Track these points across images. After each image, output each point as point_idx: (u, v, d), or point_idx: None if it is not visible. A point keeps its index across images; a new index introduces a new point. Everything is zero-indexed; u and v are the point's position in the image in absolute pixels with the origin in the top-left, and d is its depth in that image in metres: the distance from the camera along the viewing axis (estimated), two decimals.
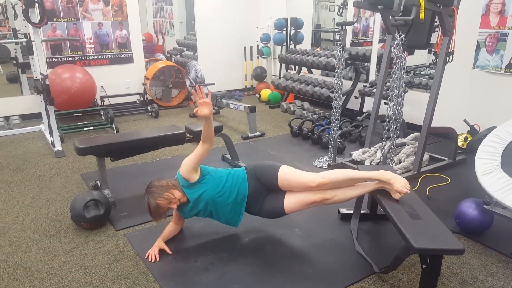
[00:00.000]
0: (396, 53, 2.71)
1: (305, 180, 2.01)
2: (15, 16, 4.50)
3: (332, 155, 3.34)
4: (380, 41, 4.61)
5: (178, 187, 2.04)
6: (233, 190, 2.07)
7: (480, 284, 1.89)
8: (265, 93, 5.78)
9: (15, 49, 4.69)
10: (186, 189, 2.05)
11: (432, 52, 4.72)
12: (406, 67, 2.78)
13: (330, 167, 3.30)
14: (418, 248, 1.59)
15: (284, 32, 5.83)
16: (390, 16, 3.01)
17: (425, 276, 1.68)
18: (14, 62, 4.99)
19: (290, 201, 2.05)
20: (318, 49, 5.43)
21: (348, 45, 5.09)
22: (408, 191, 1.95)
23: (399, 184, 1.96)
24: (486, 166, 2.22)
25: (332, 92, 3.47)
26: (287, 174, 2.05)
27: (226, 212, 2.10)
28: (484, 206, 2.18)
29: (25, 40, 3.86)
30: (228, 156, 3.42)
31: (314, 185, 1.99)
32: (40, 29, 3.61)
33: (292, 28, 5.77)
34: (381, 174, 2.01)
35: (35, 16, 3.46)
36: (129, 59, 5.34)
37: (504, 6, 3.39)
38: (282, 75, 5.88)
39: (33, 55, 3.78)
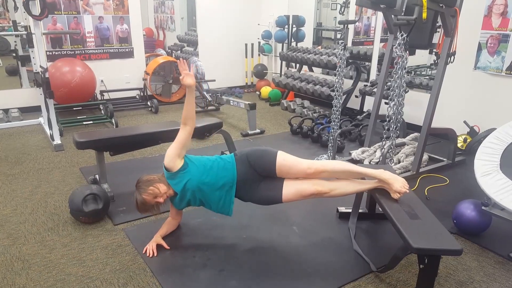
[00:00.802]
0: (398, 53, 2.70)
1: (303, 167, 2.00)
2: (16, 8, 4.47)
3: (331, 154, 3.34)
4: (382, 40, 4.60)
5: (163, 181, 2.02)
6: (219, 177, 2.02)
7: (476, 285, 1.90)
8: (266, 90, 5.77)
9: (15, 41, 4.66)
10: (170, 180, 2.02)
11: (434, 53, 4.72)
12: (407, 67, 2.78)
13: None
14: (416, 248, 1.59)
15: (286, 30, 5.81)
16: (393, 16, 3.00)
17: (423, 276, 1.69)
18: (14, 54, 4.96)
19: (288, 191, 2.02)
20: (319, 47, 5.42)
21: (349, 44, 5.08)
22: (408, 191, 1.96)
23: (398, 184, 1.96)
24: (485, 167, 2.23)
25: (333, 90, 3.47)
26: (286, 160, 2.02)
27: (216, 200, 2.05)
28: (482, 207, 2.18)
29: (25, 32, 3.84)
30: (227, 152, 3.42)
31: (311, 172, 1.99)
32: (40, 22, 3.59)
33: (294, 25, 5.76)
34: (381, 173, 2.01)
35: (36, 8, 3.44)
36: (129, 54, 5.32)
37: (507, 7, 3.39)
38: (282, 73, 5.87)
39: (33, 48, 3.76)
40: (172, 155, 1.99)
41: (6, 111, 4.51)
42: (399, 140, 3.24)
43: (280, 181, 2.05)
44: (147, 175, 2.05)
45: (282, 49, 5.96)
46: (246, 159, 2.05)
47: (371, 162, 3.23)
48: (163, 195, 1.99)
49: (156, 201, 1.99)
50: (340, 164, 2.08)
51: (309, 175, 2.00)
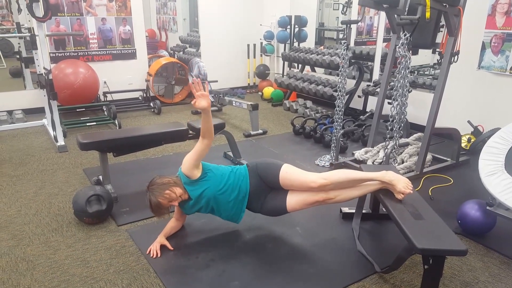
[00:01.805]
0: (401, 53, 2.69)
1: (306, 181, 2.01)
2: (19, 10, 4.50)
3: (334, 154, 3.33)
4: (385, 40, 4.59)
5: (179, 184, 2.03)
6: (235, 187, 2.07)
7: (481, 286, 1.89)
8: (268, 91, 5.77)
9: (19, 43, 4.70)
10: (188, 186, 2.05)
11: (437, 52, 4.70)
12: (410, 66, 2.77)
13: (332, 166, 3.30)
14: (420, 249, 1.58)
15: (288, 30, 5.81)
16: (396, 15, 3.00)
17: (427, 277, 1.68)
18: (18, 56, 5.00)
19: (292, 200, 2.05)
20: (322, 47, 5.41)
21: (352, 43, 5.07)
22: (411, 191, 1.95)
23: (402, 185, 1.95)
24: (490, 167, 2.22)
25: (335, 91, 3.46)
26: (288, 173, 2.05)
27: (228, 209, 2.10)
28: (487, 208, 2.17)
29: (29, 34, 3.86)
30: (230, 153, 3.42)
31: (316, 186, 1.99)
32: (44, 24, 3.61)
33: (296, 26, 5.75)
34: (383, 175, 2.01)
35: (39, 10, 3.46)
36: (132, 55, 5.33)
37: (511, 6, 3.37)
38: (285, 73, 5.87)
39: (36, 49, 3.78)
40: (189, 164, 2.01)
41: (10, 112, 4.53)
42: (403, 140, 3.23)
43: (285, 191, 2.08)
44: (161, 177, 2.05)
45: (284, 49, 5.95)
46: (256, 171, 2.10)
47: (375, 162, 3.22)
48: (178, 198, 2.01)
49: (171, 205, 2.01)
50: (343, 174, 2.06)
51: (313, 189, 2.01)
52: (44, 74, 3.64)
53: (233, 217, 2.15)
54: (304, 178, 2.02)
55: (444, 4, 2.67)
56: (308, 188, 2.01)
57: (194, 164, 2.01)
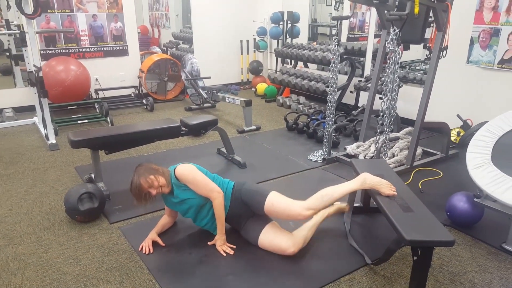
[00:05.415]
0: (391, 48, 2.72)
1: (292, 214, 1.99)
2: (8, 7, 4.43)
3: (326, 149, 3.36)
4: (376, 36, 4.61)
5: (166, 176, 2.05)
6: (211, 206, 2.08)
7: (469, 276, 1.92)
8: (261, 87, 5.78)
9: (8, 40, 4.63)
10: (176, 187, 2.07)
11: (426, 47, 4.74)
12: (401, 62, 2.79)
13: (325, 161, 3.32)
14: (409, 240, 1.61)
15: (281, 26, 5.81)
16: (385, 11, 3.01)
17: (417, 268, 1.71)
18: (7, 54, 4.93)
19: (264, 239, 2.06)
20: (314, 43, 5.43)
21: (344, 39, 5.09)
22: (396, 193, 1.94)
23: (385, 189, 1.95)
24: (477, 160, 2.25)
25: (328, 86, 3.48)
26: (274, 206, 2.02)
27: (204, 221, 2.14)
28: (475, 199, 2.21)
29: (18, 31, 3.82)
30: (223, 149, 3.43)
31: (303, 219, 2.02)
32: (33, 21, 3.57)
33: (289, 22, 5.76)
34: (363, 184, 2.01)
35: (29, 7, 3.42)
36: (124, 52, 5.30)
37: (498, 2, 3.41)
38: (278, 69, 5.88)
39: (26, 47, 3.74)
40: (187, 180, 2.03)
41: (0, 111, 4.48)
42: (393, 135, 3.26)
43: (264, 223, 2.10)
44: (152, 164, 2.10)
45: (277, 45, 5.96)
46: (239, 196, 2.10)
47: (366, 157, 3.25)
48: (158, 188, 2.01)
49: (149, 191, 2.00)
50: (327, 198, 2.01)
51: (300, 221, 2.07)
52: (34, 72, 3.61)
53: (210, 228, 2.18)
54: (290, 211, 1.99)
55: (433, 0, 2.70)
56: (294, 220, 2.06)
57: (190, 186, 2.04)
